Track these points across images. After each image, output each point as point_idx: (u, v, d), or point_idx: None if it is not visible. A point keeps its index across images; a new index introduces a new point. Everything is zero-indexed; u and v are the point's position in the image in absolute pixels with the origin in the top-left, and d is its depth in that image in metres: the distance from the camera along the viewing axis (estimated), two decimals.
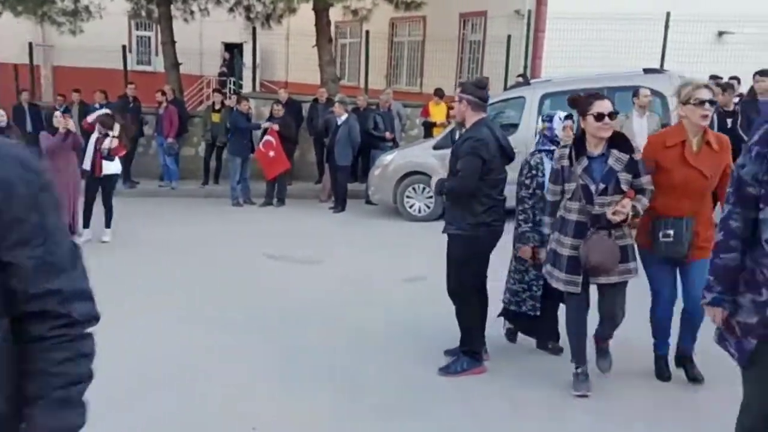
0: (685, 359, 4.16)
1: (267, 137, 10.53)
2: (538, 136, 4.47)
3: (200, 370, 4.45)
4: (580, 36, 11.28)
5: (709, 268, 2.52)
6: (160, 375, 4.37)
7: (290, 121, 10.93)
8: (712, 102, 3.74)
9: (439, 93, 11.29)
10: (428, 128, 11.21)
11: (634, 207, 3.70)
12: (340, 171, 10.24)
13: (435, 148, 9.25)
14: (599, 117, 3.65)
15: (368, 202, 10.48)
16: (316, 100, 11.65)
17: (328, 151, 10.38)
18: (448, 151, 8.92)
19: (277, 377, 4.34)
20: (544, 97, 8.70)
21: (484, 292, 4.35)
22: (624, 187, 3.71)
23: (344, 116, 10.14)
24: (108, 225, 8.13)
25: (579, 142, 3.81)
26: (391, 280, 6.55)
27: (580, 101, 3.79)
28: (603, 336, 4.07)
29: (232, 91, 18.10)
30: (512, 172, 4.41)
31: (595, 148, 3.76)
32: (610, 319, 3.95)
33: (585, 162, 3.74)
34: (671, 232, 3.81)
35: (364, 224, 9.40)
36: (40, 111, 11.90)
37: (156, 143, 12.02)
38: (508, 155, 4.21)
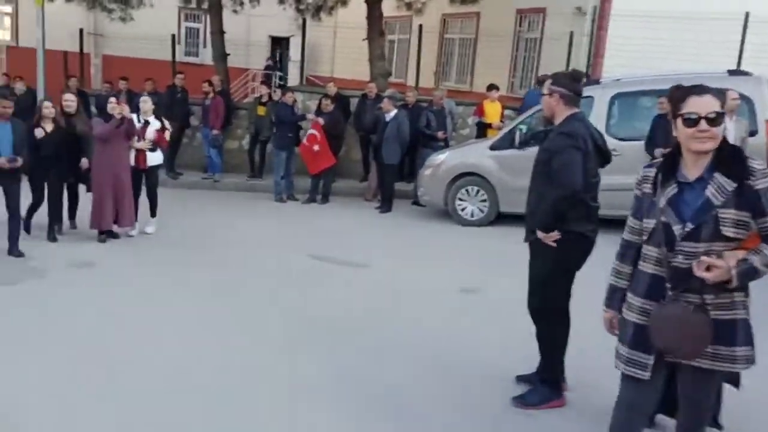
0: None
1: (311, 130, 10.19)
2: None
3: (229, 388, 4.04)
4: (644, 35, 10.64)
5: None
6: (184, 394, 3.99)
7: (339, 116, 10.55)
8: None
9: (493, 87, 10.74)
10: (482, 129, 10.68)
11: (744, 261, 2.43)
12: (387, 169, 9.82)
13: (492, 148, 8.74)
14: (692, 121, 2.45)
15: (415, 203, 10.06)
16: (364, 96, 11.24)
17: (376, 149, 9.97)
18: (506, 152, 8.63)
19: (318, 404, 3.88)
20: (614, 97, 8.10)
21: (568, 312, 3.84)
22: (728, 230, 2.44)
23: (393, 112, 9.73)
24: (153, 214, 7.88)
25: (671, 159, 2.61)
26: (444, 290, 6.07)
27: (673, 96, 2.58)
28: None
29: (276, 85, 17.83)
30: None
31: (691, 169, 2.53)
32: (690, 416, 2.75)
33: (673, 189, 2.54)
34: None
35: (412, 226, 8.94)
36: (88, 98, 11.75)
37: (201, 134, 11.77)
38: (604, 155, 3.71)
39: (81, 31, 13.48)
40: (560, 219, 3.57)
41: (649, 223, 2.60)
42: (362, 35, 12.92)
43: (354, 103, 11.43)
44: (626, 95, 7.96)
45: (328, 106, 10.39)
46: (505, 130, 8.92)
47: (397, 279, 6.41)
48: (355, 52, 14.16)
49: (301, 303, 5.65)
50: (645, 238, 2.65)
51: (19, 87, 11.85)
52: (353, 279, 6.44)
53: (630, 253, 2.74)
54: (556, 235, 3.59)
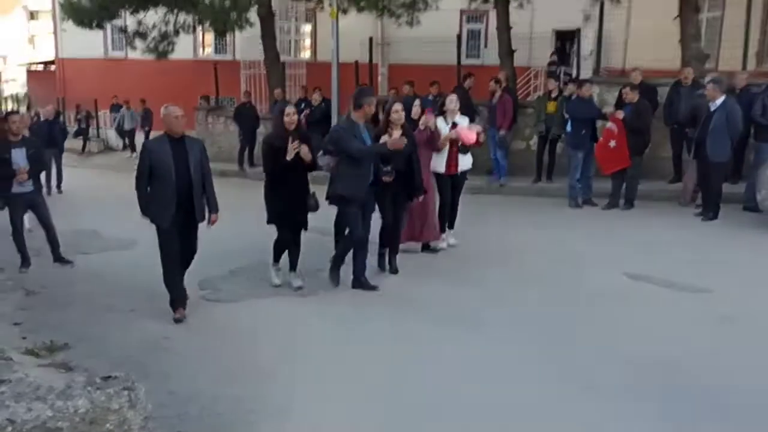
0: None
1: (608, 125, 8.94)
2: None
3: None
4: None
5: None
6: None
7: (645, 107, 9.03)
8: None
9: None
10: None
11: None
12: (714, 169, 8.06)
13: None
14: None
15: (747, 208, 8.19)
16: (678, 83, 9.59)
17: (697, 144, 8.28)
18: None
19: None
20: None
21: None
22: None
23: (720, 100, 7.97)
24: (451, 226, 7.16)
25: None
26: None
27: None
28: None
29: (563, 81, 16.60)
30: None
31: None
32: None
33: None
34: None
35: (750, 239, 7.15)
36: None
37: (487, 135, 11.12)
38: None
39: (371, 39, 13.81)
40: None
41: None
42: (664, 17, 11.17)
43: (662, 92, 9.81)
44: None
45: (633, 96, 8.96)
46: None
47: (753, 311, 4.90)
48: (653, 37, 12.42)
49: (623, 336, 4.56)
50: None
51: (316, 97, 13.02)
52: (689, 307, 5.10)
53: None
54: None
